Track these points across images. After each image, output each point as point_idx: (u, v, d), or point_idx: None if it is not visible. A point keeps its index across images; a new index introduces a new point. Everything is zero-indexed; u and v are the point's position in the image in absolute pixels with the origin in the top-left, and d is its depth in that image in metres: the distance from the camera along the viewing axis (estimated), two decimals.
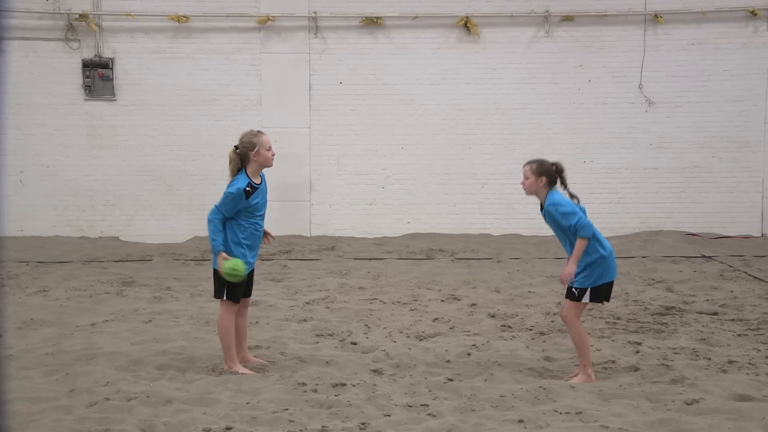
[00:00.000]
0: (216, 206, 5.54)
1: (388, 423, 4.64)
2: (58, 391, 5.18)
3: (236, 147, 5.60)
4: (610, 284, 5.51)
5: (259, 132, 5.66)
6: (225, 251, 5.48)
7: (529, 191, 5.62)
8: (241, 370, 5.60)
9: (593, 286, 5.42)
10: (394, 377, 5.50)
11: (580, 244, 5.34)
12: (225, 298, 5.62)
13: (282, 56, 12.15)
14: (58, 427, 4.58)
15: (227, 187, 5.55)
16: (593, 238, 5.40)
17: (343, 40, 12.17)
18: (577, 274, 5.39)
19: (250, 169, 5.58)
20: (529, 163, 5.66)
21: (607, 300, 5.59)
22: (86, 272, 9.62)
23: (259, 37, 12.14)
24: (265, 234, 5.86)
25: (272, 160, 5.65)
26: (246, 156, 5.56)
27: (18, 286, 8.79)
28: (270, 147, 5.63)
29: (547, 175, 5.55)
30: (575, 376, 5.49)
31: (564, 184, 5.61)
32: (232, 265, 5.41)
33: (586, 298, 5.44)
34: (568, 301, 5.51)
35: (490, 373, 5.57)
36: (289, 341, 6.46)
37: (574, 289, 5.44)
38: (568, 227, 5.39)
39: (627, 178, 12.21)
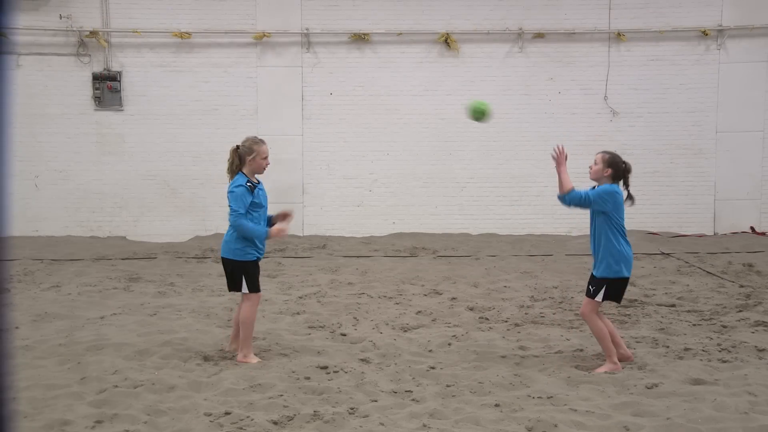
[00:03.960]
0: (232, 210, 5.46)
1: (375, 408, 4.63)
2: (70, 379, 5.14)
3: (237, 147, 5.60)
4: (625, 284, 5.40)
5: (261, 141, 5.65)
6: (266, 231, 5.48)
7: (593, 177, 5.44)
8: (255, 360, 5.57)
9: (609, 281, 5.29)
10: (380, 366, 5.49)
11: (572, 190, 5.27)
12: (249, 291, 5.56)
13: (277, 69, 12.12)
14: (70, 412, 4.54)
15: (230, 188, 5.50)
16: (621, 234, 5.31)
17: (333, 55, 12.15)
18: (599, 265, 5.32)
19: (245, 170, 5.59)
20: (603, 151, 5.49)
21: (619, 301, 5.50)
22: (96, 269, 9.55)
23: (255, 51, 12.09)
24: (286, 216, 5.75)
25: (265, 168, 5.63)
26: (243, 158, 5.57)
27: (33, 282, 8.71)
28: (266, 156, 5.61)
29: (614, 168, 5.38)
30: (601, 366, 5.39)
31: (626, 184, 5.44)
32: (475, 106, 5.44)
33: (599, 297, 5.33)
34: (586, 298, 5.43)
35: (469, 362, 5.57)
36: (283, 333, 6.43)
37: (590, 287, 5.38)
38: (595, 200, 5.25)
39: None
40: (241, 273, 5.55)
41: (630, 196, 5.47)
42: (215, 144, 11.86)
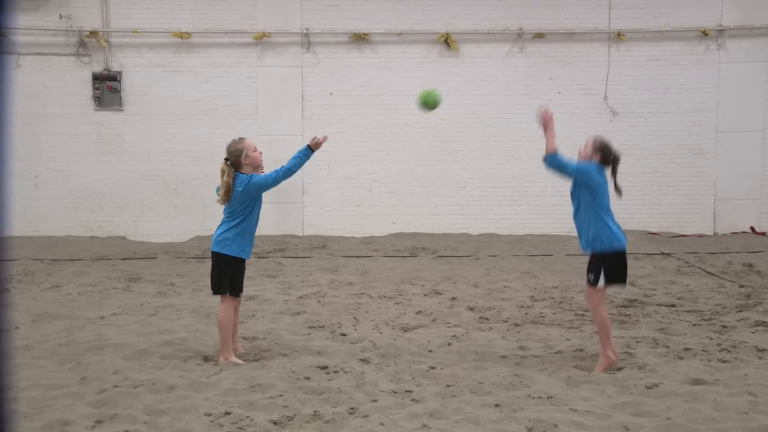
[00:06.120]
0: (270, 180, 5.46)
1: (375, 408, 4.63)
2: (71, 379, 5.14)
3: (226, 159, 5.55)
4: (622, 259, 5.33)
5: (241, 139, 5.64)
6: (306, 147, 5.51)
7: (580, 157, 5.42)
8: (235, 360, 5.57)
9: (604, 257, 5.26)
10: (380, 366, 5.49)
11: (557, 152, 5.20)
12: (228, 293, 5.58)
13: (277, 69, 12.12)
14: (70, 412, 4.54)
15: (239, 186, 5.44)
16: (608, 215, 5.24)
17: (333, 55, 12.15)
18: (591, 241, 5.27)
19: (244, 171, 5.58)
20: (596, 136, 5.46)
21: (624, 282, 5.44)
22: (96, 269, 9.56)
23: (255, 51, 12.10)
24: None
25: (261, 159, 5.63)
26: (238, 162, 5.53)
27: (33, 282, 8.72)
28: (255, 148, 5.60)
29: (603, 154, 5.35)
30: (599, 365, 5.36)
31: (614, 172, 5.40)
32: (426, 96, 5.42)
33: (601, 283, 5.31)
34: (589, 288, 5.40)
35: (469, 362, 5.57)
36: (283, 333, 6.43)
37: (589, 276, 5.35)
38: (575, 169, 5.22)
39: None
40: (227, 269, 5.54)
41: (617, 187, 5.42)
42: (215, 144, 11.84)
